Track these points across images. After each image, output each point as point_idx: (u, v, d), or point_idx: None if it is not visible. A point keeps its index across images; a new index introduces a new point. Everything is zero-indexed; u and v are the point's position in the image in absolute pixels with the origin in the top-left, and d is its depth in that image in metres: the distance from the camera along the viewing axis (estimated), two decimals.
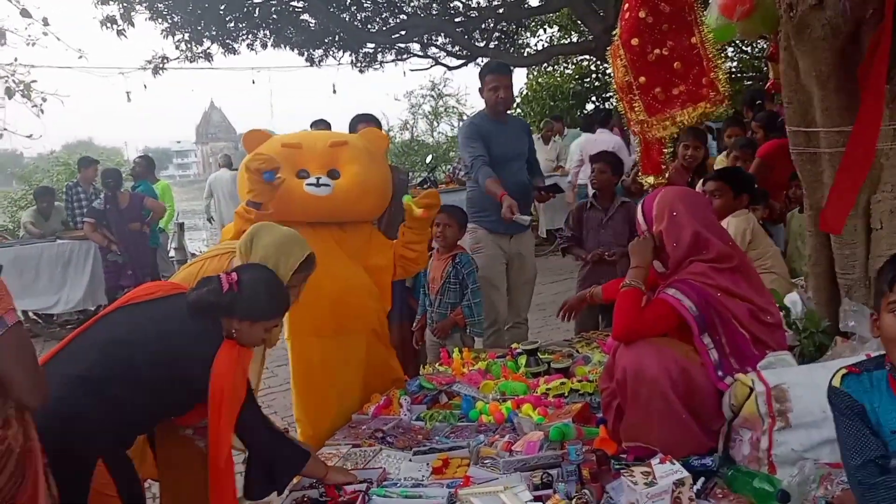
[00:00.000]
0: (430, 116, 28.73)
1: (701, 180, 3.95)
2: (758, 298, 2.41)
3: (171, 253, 9.57)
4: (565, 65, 19.41)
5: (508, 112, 4.65)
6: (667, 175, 2.68)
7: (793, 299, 2.93)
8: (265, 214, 2.85)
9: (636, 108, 2.46)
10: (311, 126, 4.47)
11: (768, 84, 3.18)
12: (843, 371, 1.72)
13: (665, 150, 2.58)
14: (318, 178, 3.08)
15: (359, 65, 15.96)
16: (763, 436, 2.13)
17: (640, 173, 2.76)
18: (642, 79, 2.42)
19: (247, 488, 2.41)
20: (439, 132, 27.82)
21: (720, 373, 2.30)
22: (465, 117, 29.15)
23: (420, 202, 3.34)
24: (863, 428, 1.65)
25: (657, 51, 2.39)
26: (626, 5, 2.58)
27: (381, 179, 3.33)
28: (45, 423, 2.01)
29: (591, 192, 5.17)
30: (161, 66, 12.39)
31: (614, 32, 2.47)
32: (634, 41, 2.38)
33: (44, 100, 9.87)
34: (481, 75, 4.44)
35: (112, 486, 2.20)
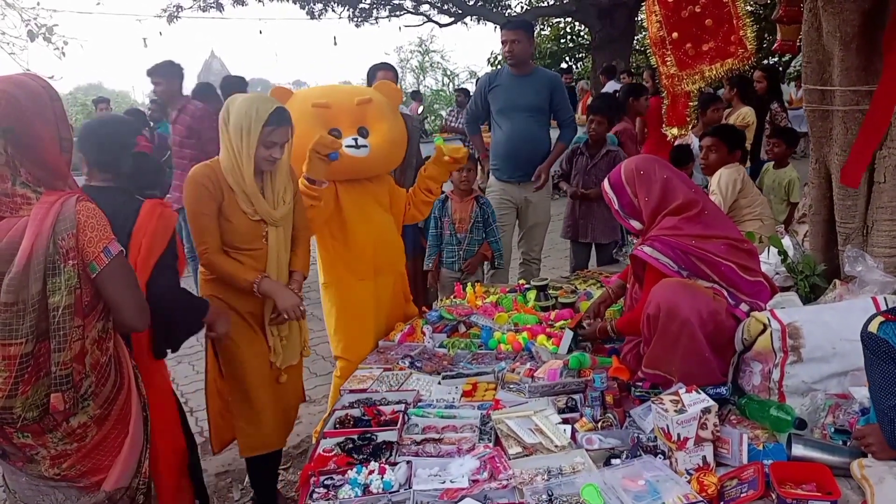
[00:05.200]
0: (416, 71, 28.20)
1: (699, 136, 3.87)
2: (729, 232, 2.36)
3: None
4: (541, 26, 19.00)
5: (538, 67, 4.52)
6: (690, 128, 2.59)
7: (786, 244, 2.88)
8: (323, 189, 2.82)
9: (668, 62, 2.33)
10: (371, 70, 4.25)
11: (775, 45, 3.05)
12: (881, 319, 1.66)
13: (690, 104, 2.48)
14: (355, 140, 2.94)
15: (355, 19, 15.52)
16: (775, 368, 2.09)
17: (664, 125, 2.64)
18: (675, 34, 2.29)
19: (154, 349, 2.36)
20: (425, 86, 27.38)
21: (732, 302, 2.25)
22: (448, 72, 28.78)
23: (451, 152, 3.22)
24: None
25: (690, 7, 2.25)
26: None
27: (403, 132, 3.22)
28: None
29: None
30: (175, 14, 11.89)
31: None
32: None
33: (65, 43, 9.44)
34: (501, 29, 4.33)
35: None
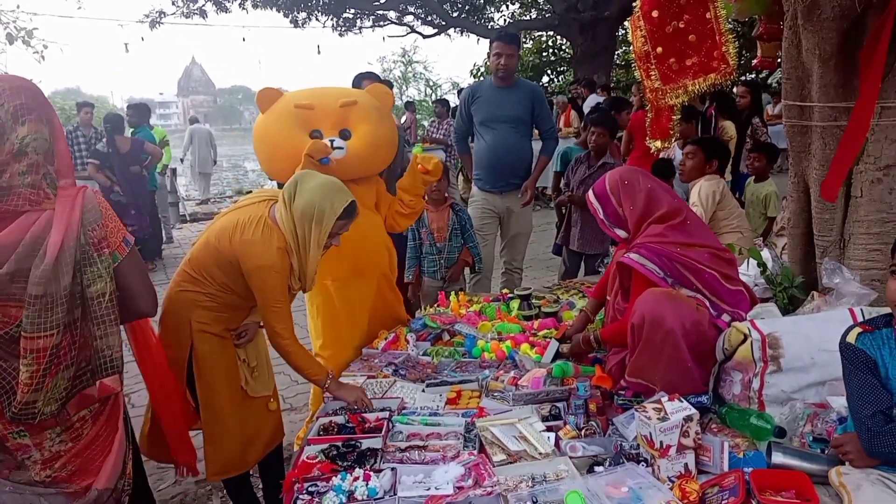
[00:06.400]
0: (399, 81, 28.24)
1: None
2: (711, 241, 2.41)
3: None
4: (524, 40, 19.18)
5: (520, 78, 4.56)
6: (673, 141, 2.63)
7: (765, 256, 2.93)
8: None
9: (652, 76, 2.37)
10: (356, 79, 4.28)
11: (755, 61, 3.12)
12: (858, 330, 1.70)
13: (674, 118, 2.52)
14: (332, 141, 2.91)
15: (339, 29, 15.55)
16: (755, 378, 2.12)
17: (648, 137, 2.68)
18: (659, 49, 2.33)
19: None
20: (407, 96, 27.41)
21: (714, 312, 2.29)
22: (431, 83, 28.87)
23: (423, 161, 3.24)
24: (874, 381, 1.65)
25: (674, 23, 2.30)
26: None
27: (390, 135, 3.19)
28: None
29: None
30: (158, 20, 11.83)
31: (636, 4, 2.36)
32: (654, 13, 2.29)
33: (45, 47, 9.34)
34: (490, 41, 4.35)
35: None
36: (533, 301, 3.45)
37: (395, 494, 1.85)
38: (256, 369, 2.63)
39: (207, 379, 2.50)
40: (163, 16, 11.91)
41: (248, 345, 2.61)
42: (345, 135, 2.99)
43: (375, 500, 1.83)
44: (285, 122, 2.92)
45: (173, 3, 11.72)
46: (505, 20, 18.32)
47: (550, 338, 2.91)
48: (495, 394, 2.49)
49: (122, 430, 2.08)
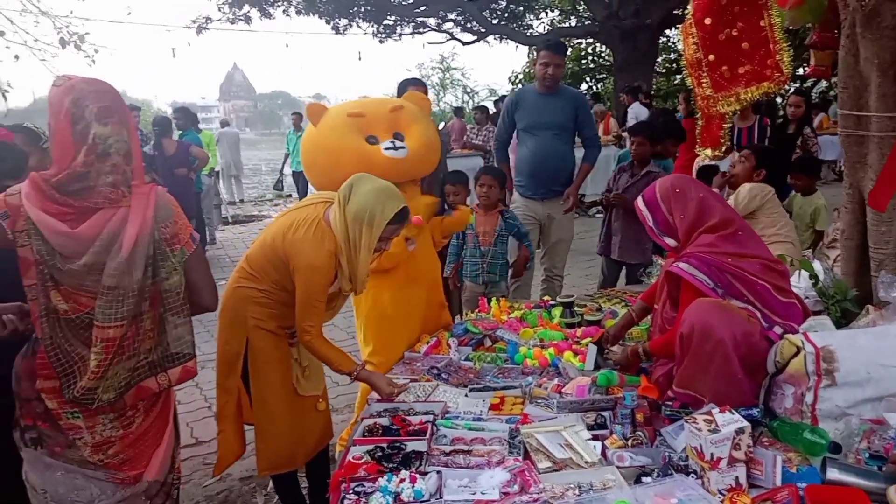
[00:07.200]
0: (437, 87, 28.38)
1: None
2: (764, 253, 2.36)
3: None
4: None
5: (563, 86, 4.57)
6: (723, 149, 2.60)
7: (817, 268, 2.87)
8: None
9: (704, 84, 2.35)
10: (402, 85, 4.34)
11: (808, 70, 3.06)
12: None
13: (725, 126, 2.49)
14: (393, 142, 2.99)
15: (379, 35, 15.69)
16: (808, 391, 2.07)
17: (698, 145, 2.65)
18: (711, 56, 2.31)
19: None
20: (444, 102, 27.53)
21: (766, 324, 2.24)
22: (468, 90, 28.95)
23: (459, 216, 3.44)
24: None
25: (728, 31, 2.27)
26: None
27: (436, 137, 3.28)
28: None
29: None
30: (204, 26, 12.09)
31: (687, 11, 2.34)
32: (707, 20, 2.26)
33: (95, 51, 9.62)
34: (538, 50, 4.39)
35: None
36: (575, 309, 3.43)
37: (440, 498, 1.86)
38: (308, 369, 2.67)
39: (261, 374, 2.56)
40: (209, 21, 12.19)
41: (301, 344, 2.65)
42: (399, 137, 3.05)
43: (421, 502, 1.84)
44: (342, 131, 2.98)
45: (219, 10, 12.00)
46: (544, 27, 18.28)
47: (589, 343, 2.90)
48: (539, 401, 2.48)
49: (172, 425, 2.15)
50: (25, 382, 1.94)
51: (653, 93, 11.79)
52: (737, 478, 1.81)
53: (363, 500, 1.87)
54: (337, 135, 2.98)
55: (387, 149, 2.96)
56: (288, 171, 11.92)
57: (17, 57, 8.94)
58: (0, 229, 1.81)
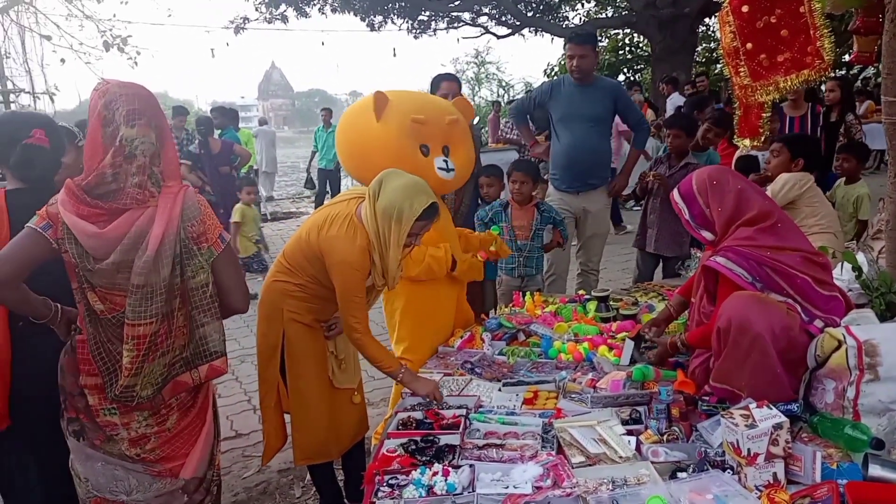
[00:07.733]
0: (472, 82, 28.31)
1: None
2: (804, 245, 2.30)
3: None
4: (600, 38, 18.86)
5: (599, 76, 4.54)
6: (762, 139, 2.54)
7: (860, 260, 2.79)
8: None
9: (741, 73, 2.30)
10: (435, 80, 4.33)
11: (852, 56, 2.96)
12: None
13: (763, 115, 2.43)
14: (445, 161, 3.04)
15: (414, 31, 15.73)
16: (850, 386, 2.02)
17: (736, 135, 2.59)
18: (749, 45, 2.26)
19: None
20: (480, 97, 27.44)
21: (806, 318, 2.19)
22: (503, 84, 28.81)
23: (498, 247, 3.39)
24: None
25: (766, 18, 2.21)
26: None
27: (474, 154, 3.31)
28: None
29: None
30: (242, 26, 12.29)
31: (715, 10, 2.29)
32: (745, 8, 2.21)
33: (138, 53, 9.87)
34: (564, 44, 4.35)
35: None
36: (611, 303, 3.39)
37: (473, 491, 1.87)
38: (344, 362, 2.72)
39: (297, 366, 2.61)
40: (247, 22, 12.38)
41: (337, 337, 2.69)
42: (446, 151, 3.08)
43: (454, 495, 1.85)
44: (406, 137, 2.95)
45: (257, 10, 12.19)
46: (580, 19, 18.07)
47: (626, 338, 2.87)
48: (573, 395, 2.47)
49: (210, 423, 2.18)
50: (69, 377, 2.01)
51: (695, 81, 11.47)
52: (775, 474, 1.78)
53: (397, 492, 1.89)
54: (402, 141, 2.94)
55: (440, 168, 2.99)
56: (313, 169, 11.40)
57: (63, 60, 9.24)
58: (44, 241, 1.86)
